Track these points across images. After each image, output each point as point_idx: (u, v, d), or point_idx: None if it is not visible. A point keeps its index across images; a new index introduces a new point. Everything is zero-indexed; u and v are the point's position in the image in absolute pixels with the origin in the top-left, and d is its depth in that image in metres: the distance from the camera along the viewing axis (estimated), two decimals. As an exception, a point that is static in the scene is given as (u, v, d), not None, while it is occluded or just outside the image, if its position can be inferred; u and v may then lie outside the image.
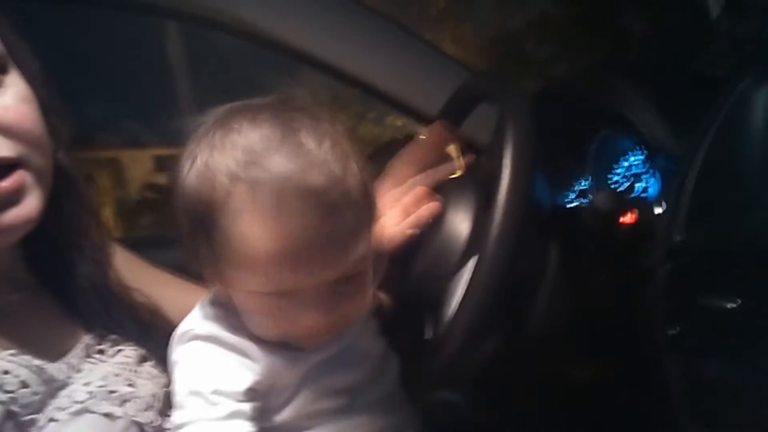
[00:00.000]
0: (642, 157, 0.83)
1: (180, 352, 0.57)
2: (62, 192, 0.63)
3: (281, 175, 0.45)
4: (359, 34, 1.29)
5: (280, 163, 0.46)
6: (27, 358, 0.53)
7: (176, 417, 0.54)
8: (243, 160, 0.46)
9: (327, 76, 1.31)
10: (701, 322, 0.56)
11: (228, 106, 0.53)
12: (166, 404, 0.66)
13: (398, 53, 1.33)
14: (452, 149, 1.29)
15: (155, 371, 0.68)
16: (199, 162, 0.49)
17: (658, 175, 0.76)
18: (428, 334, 0.77)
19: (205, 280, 0.57)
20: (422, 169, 0.76)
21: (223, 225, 0.47)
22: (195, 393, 0.53)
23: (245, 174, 0.46)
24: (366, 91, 1.35)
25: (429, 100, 1.32)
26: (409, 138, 1.21)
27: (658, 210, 0.71)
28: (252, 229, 0.46)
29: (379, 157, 1.24)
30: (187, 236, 0.52)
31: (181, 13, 1.28)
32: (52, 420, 0.53)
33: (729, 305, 0.53)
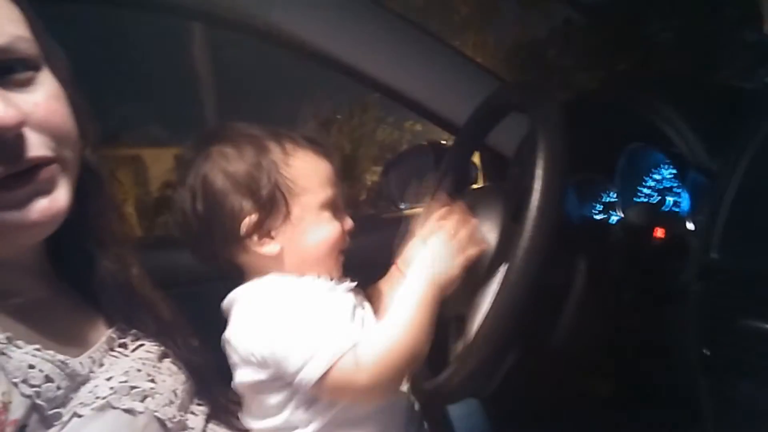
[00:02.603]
0: (673, 171, 0.81)
1: None
2: (88, 189, 0.64)
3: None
4: (384, 39, 1.29)
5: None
6: (51, 353, 0.53)
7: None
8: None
9: (350, 80, 1.31)
10: (737, 343, 0.54)
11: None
12: (185, 400, 0.66)
13: (423, 58, 1.32)
14: (477, 158, 1.28)
15: (175, 367, 0.68)
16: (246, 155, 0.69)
17: (689, 189, 0.74)
18: (453, 343, 0.76)
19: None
20: None
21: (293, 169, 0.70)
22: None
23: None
24: (389, 95, 1.34)
25: (452, 106, 1.31)
26: (433, 144, 1.21)
27: (690, 225, 0.69)
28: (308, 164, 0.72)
29: (403, 161, 1.24)
30: (250, 209, 0.68)
31: (210, 16, 1.29)
32: (76, 415, 0.53)
33: (766, 326, 0.51)
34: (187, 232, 0.71)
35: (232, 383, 0.70)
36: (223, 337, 0.70)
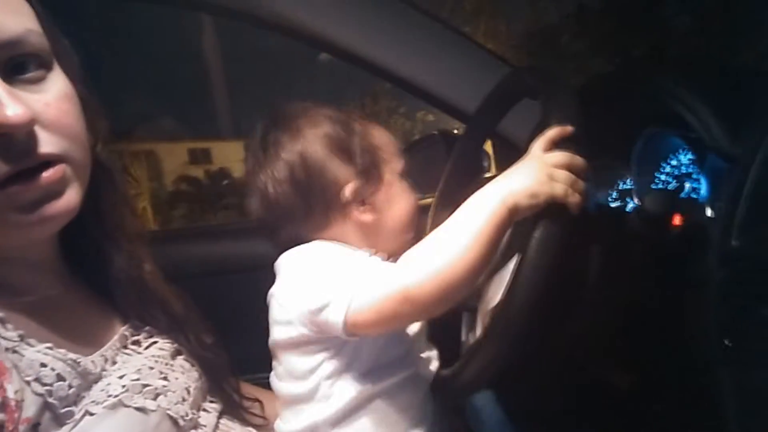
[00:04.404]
0: (691, 156, 0.79)
1: None
2: (100, 185, 0.64)
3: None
4: (394, 28, 1.27)
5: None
6: (62, 352, 0.53)
7: None
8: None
9: (361, 70, 1.30)
10: (759, 332, 0.53)
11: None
12: (198, 398, 0.66)
13: (433, 46, 1.30)
14: (488, 147, 1.26)
15: (188, 365, 0.68)
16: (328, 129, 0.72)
17: (708, 175, 0.72)
18: (465, 335, 0.75)
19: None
20: None
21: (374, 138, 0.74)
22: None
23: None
24: (399, 85, 1.33)
25: (464, 94, 1.29)
26: (444, 132, 1.19)
27: (709, 212, 0.67)
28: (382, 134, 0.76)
29: (414, 151, 1.23)
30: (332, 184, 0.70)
31: (216, 7, 1.29)
32: (88, 413, 0.53)
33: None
34: (273, 211, 0.71)
35: (269, 341, 0.71)
36: (270, 291, 0.70)
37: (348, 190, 0.70)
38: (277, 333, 0.69)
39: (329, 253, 0.68)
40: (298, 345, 0.67)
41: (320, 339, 0.65)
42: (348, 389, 0.66)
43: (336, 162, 0.70)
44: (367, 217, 0.71)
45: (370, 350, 0.66)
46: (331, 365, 0.66)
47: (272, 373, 0.73)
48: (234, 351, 0.76)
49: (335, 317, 0.60)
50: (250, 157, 0.74)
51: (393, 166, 0.74)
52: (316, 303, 0.61)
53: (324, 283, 0.62)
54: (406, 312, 0.59)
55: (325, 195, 0.70)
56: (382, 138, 0.75)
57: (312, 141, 0.70)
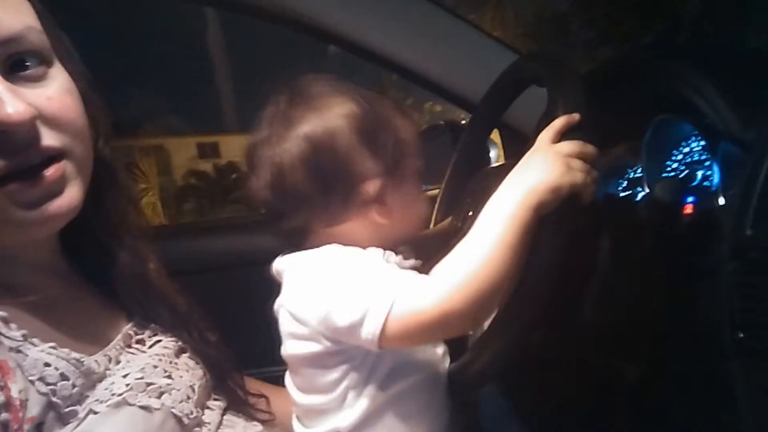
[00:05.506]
0: (703, 144, 0.77)
1: None
2: (102, 182, 0.64)
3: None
4: (400, 17, 1.26)
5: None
6: (66, 351, 0.54)
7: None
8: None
9: (367, 62, 1.29)
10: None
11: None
12: (202, 396, 0.66)
13: (439, 35, 1.29)
14: (496, 136, 1.25)
15: (192, 363, 0.68)
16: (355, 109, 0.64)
17: (720, 162, 0.71)
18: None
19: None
20: None
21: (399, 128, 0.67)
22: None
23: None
24: (406, 76, 1.32)
25: (471, 84, 1.27)
26: (451, 123, 1.18)
27: (721, 201, 0.65)
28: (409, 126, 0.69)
29: (421, 142, 1.22)
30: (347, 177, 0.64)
31: (222, 0, 1.28)
32: (92, 412, 0.53)
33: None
34: (282, 194, 0.64)
35: (282, 351, 0.66)
36: (276, 302, 0.66)
37: (371, 188, 0.64)
38: (293, 347, 0.64)
39: (345, 260, 0.63)
40: (319, 360, 0.63)
41: (342, 351, 0.62)
42: (370, 396, 0.63)
43: (364, 153, 0.63)
44: (383, 218, 0.66)
45: (389, 356, 0.63)
46: (353, 376, 0.63)
47: (288, 380, 0.70)
48: (241, 345, 0.76)
49: (369, 335, 0.56)
50: (265, 128, 0.65)
51: (414, 164, 0.68)
52: (345, 320, 0.57)
53: (352, 298, 0.58)
54: (444, 328, 0.57)
55: (345, 187, 0.63)
56: (410, 132, 0.68)
57: (343, 125, 0.63)
